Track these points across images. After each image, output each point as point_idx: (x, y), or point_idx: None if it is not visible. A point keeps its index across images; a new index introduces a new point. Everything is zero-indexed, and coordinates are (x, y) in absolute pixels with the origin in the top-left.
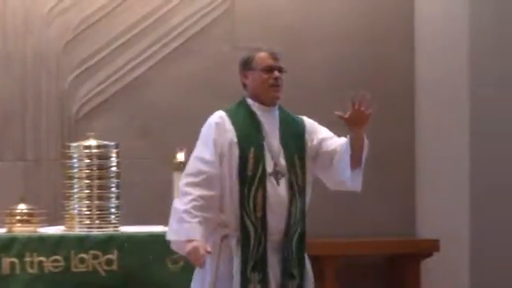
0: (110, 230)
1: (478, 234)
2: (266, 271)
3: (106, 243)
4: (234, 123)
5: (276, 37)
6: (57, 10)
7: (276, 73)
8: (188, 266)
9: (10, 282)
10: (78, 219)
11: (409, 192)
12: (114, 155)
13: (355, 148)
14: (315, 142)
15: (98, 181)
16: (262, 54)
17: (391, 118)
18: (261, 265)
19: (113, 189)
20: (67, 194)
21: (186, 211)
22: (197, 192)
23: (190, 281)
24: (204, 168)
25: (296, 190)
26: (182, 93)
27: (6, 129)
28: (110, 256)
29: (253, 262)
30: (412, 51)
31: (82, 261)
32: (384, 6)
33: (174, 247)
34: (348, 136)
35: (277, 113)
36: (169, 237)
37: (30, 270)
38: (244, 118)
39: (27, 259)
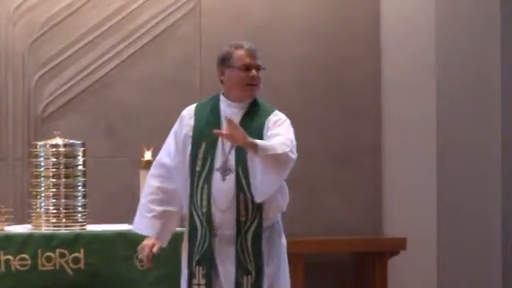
0: (76, 229)
1: (445, 233)
2: (211, 266)
3: (73, 242)
4: (196, 117)
5: (242, 35)
6: (22, 9)
7: (253, 72)
8: (155, 264)
9: None
10: (44, 218)
11: (376, 190)
12: (80, 154)
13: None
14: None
15: (64, 179)
16: (241, 52)
17: (358, 116)
18: (206, 259)
19: (79, 187)
20: (34, 193)
21: (143, 205)
22: (157, 184)
23: (158, 279)
24: (166, 160)
25: (245, 185)
26: (148, 92)
27: None
28: (76, 254)
29: (198, 256)
30: (378, 50)
31: (49, 259)
32: (351, 5)
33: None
34: None
35: (244, 109)
36: (133, 226)
37: None
38: (208, 113)
39: None
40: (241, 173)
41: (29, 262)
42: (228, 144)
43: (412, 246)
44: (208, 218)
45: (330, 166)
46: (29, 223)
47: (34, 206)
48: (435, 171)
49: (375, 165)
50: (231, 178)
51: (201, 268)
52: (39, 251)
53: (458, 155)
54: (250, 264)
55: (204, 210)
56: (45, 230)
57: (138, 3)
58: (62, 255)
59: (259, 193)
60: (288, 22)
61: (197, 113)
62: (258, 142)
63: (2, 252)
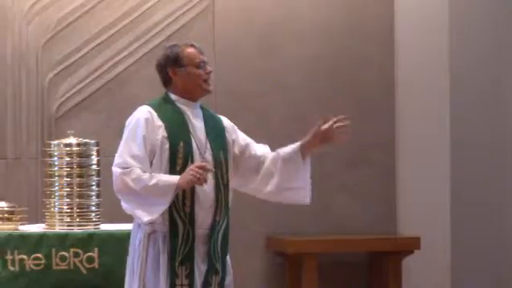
0: (90, 228)
1: (458, 232)
2: (193, 265)
3: (87, 241)
4: (162, 118)
5: (255, 35)
6: (36, 8)
7: (208, 67)
8: None
9: None
10: (58, 217)
11: (390, 190)
12: (94, 153)
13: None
14: (239, 144)
15: (78, 179)
16: (191, 50)
17: (371, 115)
18: (188, 259)
19: (93, 187)
20: (48, 192)
21: (145, 180)
22: (137, 170)
23: None
24: (133, 163)
25: (221, 185)
26: (160, 91)
27: None
28: (90, 254)
29: (181, 257)
30: (392, 48)
31: (63, 259)
32: (364, 3)
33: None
34: (296, 146)
35: (198, 108)
36: (150, 217)
37: (11, 268)
38: (171, 113)
39: (8, 257)
40: (218, 172)
41: (43, 261)
42: (201, 142)
43: (426, 246)
44: (191, 217)
45: (343, 165)
46: (43, 223)
47: (48, 206)
48: (449, 170)
49: (389, 163)
50: (210, 177)
51: (184, 268)
52: (53, 251)
53: (472, 153)
54: (218, 263)
55: (187, 209)
56: (59, 229)
57: (152, 3)
58: (76, 255)
59: (308, 193)
60: (301, 20)
61: (159, 114)
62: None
63: (16, 251)
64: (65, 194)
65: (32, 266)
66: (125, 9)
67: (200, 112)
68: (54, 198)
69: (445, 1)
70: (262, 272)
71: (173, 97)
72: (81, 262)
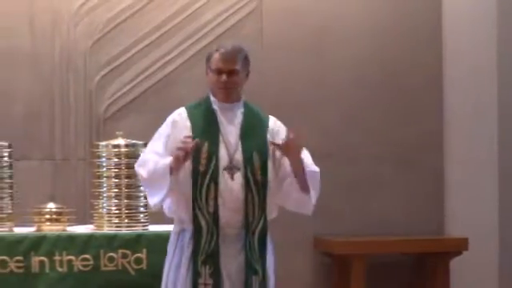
0: (138, 229)
1: (507, 232)
2: (218, 265)
3: (135, 242)
4: (191, 119)
5: (303, 35)
6: (84, 9)
7: (223, 77)
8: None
9: (39, 281)
10: (106, 218)
11: (438, 190)
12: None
13: (296, 174)
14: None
15: (126, 180)
16: (216, 55)
17: (419, 115)
18: (212, 259)
19: (141, 187)
20: (96, 193)
21: (149, 166)
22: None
23: None
24: (153, 158)
25: (253, 185)
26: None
27: (34, 128)
28: (139, 255)
29: (204, 256)
30: (440, 49)
31: (111, 260)
32: (411, 3)
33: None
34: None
35: (240, 109)
36: (155, 200)
37: (59, 269)
38: (202, 113)
39: (56, 258)
40: (249, 172)
41: (91, 262)
42: (232, 143)
43: (474, 246)
44: (215, 217)
45: (391, 166)
46: (91, 224)
47: (96, 207)
48: (497, 170)
49: (437, 164)
50: (239, 176)
51: (207, 267)
52: (101, 252)
53: None
54: (258, 264)
55: (211, 209)
56: (107, 230)
57: (201, 3)
58: (125, 255)
59: (310, 200)
60: (348, 21)
61: (190, 115)
62: (302, 156)
63: (64, 252)
64: (113, 194)
65: (80, 267)
66: (174, 9)
67: (237, 112)
68: (102, 199)
69: (493, 2)
70: (309, 272)
71: (211, 97)
72: (129, 262)
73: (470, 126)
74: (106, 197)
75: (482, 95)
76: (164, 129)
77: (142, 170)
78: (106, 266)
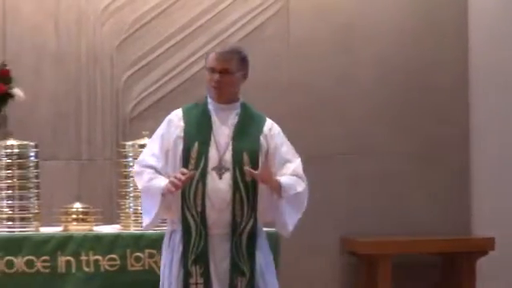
0: (165, 229)
1: None
2: (208, 264)
3: (162, 242)
4: (185, 120)
5: (329, 35)
6: (111, 9)
7: (215, 75)
8: None
9: (65, 281)
10: (133, 218)
11: (464, 190)
12: None
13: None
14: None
15: None
16: (212, 54)
17: (445, 113)
18: (202, 258)
19: None
20: (122, 193)
21: (144, 180)
22: (150, 173)
23: None
24: (151, 161)
25: (241, 186)
26: None
27: (60, 128)
28: None
29: (194, 256)
30: (466, 47)
31: (138, 259)
32: (438, 2)
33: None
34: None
35: (236, 110)
36: (146, 221)
37: (85, 269)
38: (197, 114)
39: (83, 258)
40: (237, 172)
41: (118, 262)
42: (222, 144)
43: (500, 246)
44: (202, 217)
45: (416, 166)
46: (117, 223)
47: (123, 206)
48: None
49: (463, 164)
50: (227, 177)
51: (198, 267)
52: (128, 251)
53: None
54: (245, 265)
55: (198, 208)
56: (134, 230)
57: (226, 3)
58: (151, 255)
59: (290, 228)
60: (374, 20)
61: (185, 115)
62: (282, 182)
63: (91, 252)
64: (139, 194)
65: (107, 267)
66: (200, 9)
67: (232, 113)
68: (128, 198)
69: None
70: (336, 273)
71: (208, 98)
72: (155, 262)
73: (497, 123)
74: (133, 196)
75: (507, 93)
76: (160, 129)
77: (138, 178)
78: (132, 265)
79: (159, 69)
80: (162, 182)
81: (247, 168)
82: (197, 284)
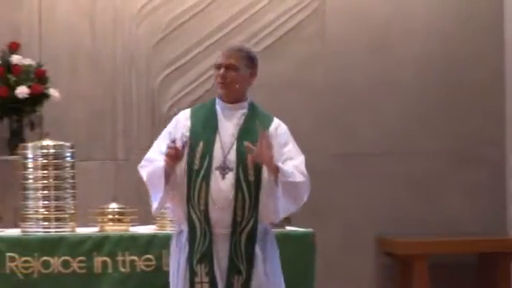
0: None
1: None
2: (213, 263)
3: None
4: (192, 119)
5: (366, 35)
6: (147, 9)
7: (221, 70)
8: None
9: (101, 281)
10: (169, 218)
11: (500, 190)
12: None
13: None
14: (275, 154)
15: None
16: (220, 52)
17: (480, 112)
18: (206, 257)
19: None
20: None
21: (147, 168)
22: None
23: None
24: (156, 157)
25: (244, 185)
26: (272, 91)
27: (96, 128)
28: None
29: (199, 255)
30: (501, 45)
31: None
32: (473, 1)
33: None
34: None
35: (242, 110)
36: (155, 205)
37: (121, 269)
38: (204, 113)
39: (119, 258)
40: (241, 172)
41: (153, 262)
42: (227, 143)
43: None
44: (206, 216)
45: (452, 165)
46: (153, 224)
47: None
48: None
49: (499, 163)
50: (230, 176)
51: (203, 266)
52: (164, 252)
53: None
54: (242, 264)
55: (202, 208)
56: (170, 230)
57: (263, 3)
58: None
59: (279, 215)
60: (409, 17)
61: (193, 115)
62: (280, 165)
63: (127, 252)
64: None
65: (143, 267)
66: (236, 9)
67: (238, 112)
68: None
69: None
70: (372, 273)
71: (217, 98)
72: None
73: None
74: None
75: None
76: (167, 127)
77: (142, 170)
78: (168, 266)
79: (195, 69)
80: (161, 162)
81: (247, 143)
82: (202, 283)
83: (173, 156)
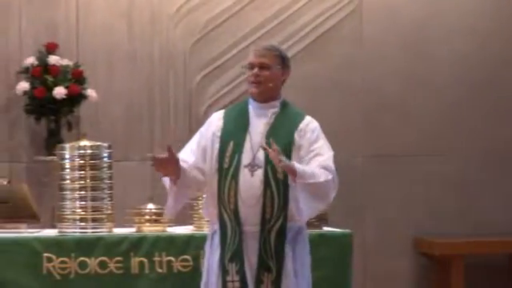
0: None
1: None
2: (243, 261)
3: None
4: (225, 119)
5: (402, 35)
6: (184, 10)
7: (254, 70)
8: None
9: (138, 282)
10: (206, 219)
11: None
12: None
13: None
14: (304, 151)
15: None
16: (251, 51)
17: None
18: (237, 255)
19: None
20: None
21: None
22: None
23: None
24: (185, 155)
25: (272, 183)
26: (309, 93)
27: (133, 129)
28: None
29: (230, 254)
30: None
31: None
32: (510, 3)
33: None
34: None
35: (274, 108)
36: (166, 210)
37: (158, 270)
38: (237, 113)
39: (156, 259)
40: (269, 170)
41: (191, 263)
42: (257, 142)
43: None
44: (235, 214)
45: (485, 166)
46: (190, 224)
47: (196, 207)
48: None
49: None
50: (259, 173)
51: (233, 264)
52: (201, 252)
53: None
54: (272, 261)
55: (232, 206)
56: (207, 231)
57: (300, 4)
58: None
59: (304, 215)
60: (446, 19)
61: (226, 115)
62: (298, 167)
63: (164, 253)
64: None
65: (180, 268)
66: (274, 10)
67: (269, 111)
68: (201, 199)
69: None
70: (408, 273)
71: (250, 99)
72: None
73: None
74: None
75: None
76: (202, 127)
77: None
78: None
79: (233, 70)
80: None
81: (263, 144)
82: (233, 282)
83: (158, 166)
